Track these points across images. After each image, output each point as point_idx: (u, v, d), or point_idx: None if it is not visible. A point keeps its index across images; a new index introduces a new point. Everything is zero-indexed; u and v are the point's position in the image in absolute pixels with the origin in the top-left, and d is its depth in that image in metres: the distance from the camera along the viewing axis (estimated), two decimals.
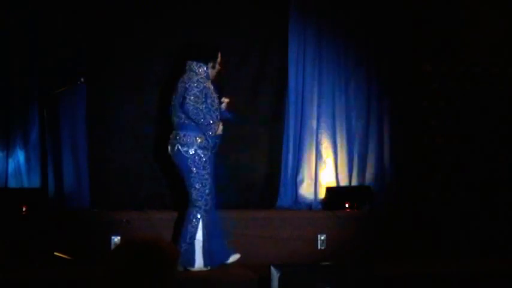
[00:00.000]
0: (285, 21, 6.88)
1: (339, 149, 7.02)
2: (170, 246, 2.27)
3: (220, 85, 5.70)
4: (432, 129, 7.06)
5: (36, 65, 6.31)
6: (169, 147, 5.52)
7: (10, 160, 6.32)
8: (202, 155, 5.38)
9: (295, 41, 6.94)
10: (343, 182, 7.01)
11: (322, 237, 6.20)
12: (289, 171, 6.97)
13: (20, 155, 6.32)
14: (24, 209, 5.86)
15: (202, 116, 5.32)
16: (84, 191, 6.39)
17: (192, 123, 5.37)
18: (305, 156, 6.95)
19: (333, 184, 6.96)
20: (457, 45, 7.09)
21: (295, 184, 6.94)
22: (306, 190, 6.92)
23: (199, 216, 5.38)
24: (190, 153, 5.37)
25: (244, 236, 6.02)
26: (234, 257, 5.62)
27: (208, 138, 5.38)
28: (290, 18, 6.91)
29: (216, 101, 5.50)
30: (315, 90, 6.98)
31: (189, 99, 5.31)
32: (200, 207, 5.38)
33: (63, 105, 6.35)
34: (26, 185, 6.30)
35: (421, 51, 7.04)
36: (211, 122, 5.36)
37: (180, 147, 5.40)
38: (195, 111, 5.30)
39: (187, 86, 5.36)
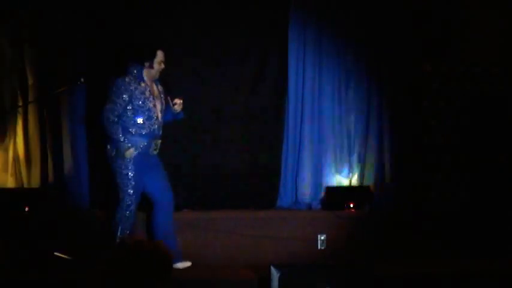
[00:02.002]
0: (285, 21, 6.87)
1: (339, 149, 7.02)
2: (166, 247, 2.27)
3: (168, 85, 5.64)
4: (432, 129, 7.05)
5: (36, 65, 6.31)
6: None
7: (10, 160, 6.32)
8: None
9: (295, 40, 6.94)
10: (343, 182, 7.02)
11: (322, 237, 6.20)
12: (289, 171, 6.97)
13: (20, 155, 6.33)
14: (26, 209, 5.87)
15: (113, 131, 5.24)
16: (84, 191, 6.40)
17: None
18: (305, 156, 6.94)
19: (333, 184, 6.96)
20: (457, 45, 7.08)
21: (295, 184, 6.94)
22: (306, 190, 6.92)
23: (119, 216, 5.35)
24: (113, 154, 5.32)
25: (244, 236, 6.03)
26: (183, 264, 5.50)
27: (135, 138, 5.30)
28: (290, 19, 6.91)
29: (151, 101, 5.37)
30: (315, 90, 6.97)
31: (106, 106, 5.27)
32: (121, 207, 5.34)
33: (63, 105, 6.35)
34: (26, 185, 6.31)
35: (421, 51, 7.03)
36: (121, 138, 5.24)
37: (108, 146, 5.37)
38: (105, 121, 5.25)
39: (110, 89, 5.31)
